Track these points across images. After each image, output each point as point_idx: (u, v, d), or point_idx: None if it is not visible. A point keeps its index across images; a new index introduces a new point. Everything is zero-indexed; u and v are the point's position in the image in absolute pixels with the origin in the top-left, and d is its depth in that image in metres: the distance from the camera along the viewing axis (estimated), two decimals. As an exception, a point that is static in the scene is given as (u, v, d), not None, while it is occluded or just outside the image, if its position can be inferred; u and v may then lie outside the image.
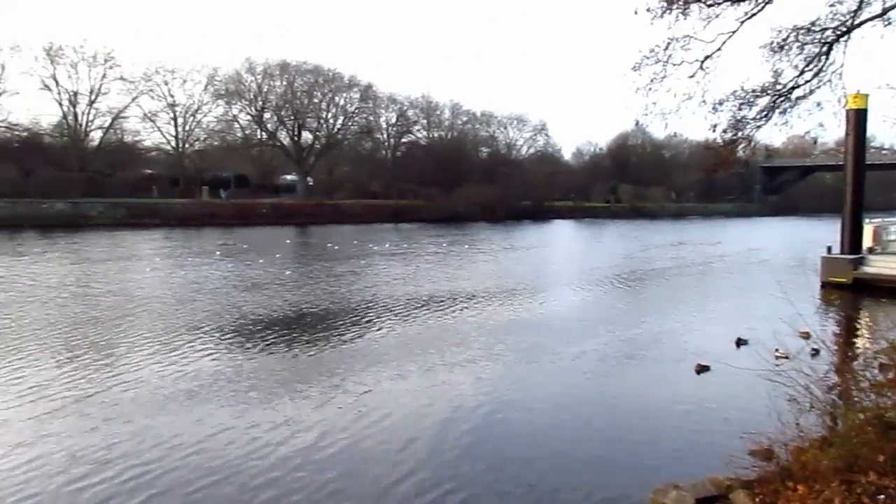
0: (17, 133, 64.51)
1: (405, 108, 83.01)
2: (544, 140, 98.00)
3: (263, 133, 76.17)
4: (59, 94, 65.90)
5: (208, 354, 13.20)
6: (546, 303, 21.26)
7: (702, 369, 12.76)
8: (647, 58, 9.93)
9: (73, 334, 14.69)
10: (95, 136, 69.49)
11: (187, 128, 72.35)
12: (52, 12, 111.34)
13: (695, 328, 17.02)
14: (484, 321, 17.29)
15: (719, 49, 9.90)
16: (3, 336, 14.34)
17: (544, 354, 13.74)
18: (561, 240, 52.55)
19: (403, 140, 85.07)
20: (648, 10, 9.55)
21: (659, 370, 12.84)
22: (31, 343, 13.79)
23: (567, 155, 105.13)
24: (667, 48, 9.84)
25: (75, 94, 66.42)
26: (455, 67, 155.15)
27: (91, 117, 68.05)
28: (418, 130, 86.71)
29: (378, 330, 15.97)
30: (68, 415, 9.47)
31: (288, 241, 42.27)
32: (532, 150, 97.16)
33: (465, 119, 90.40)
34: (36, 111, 79.29)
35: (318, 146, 77.18)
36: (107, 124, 69.21)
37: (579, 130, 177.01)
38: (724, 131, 10.23)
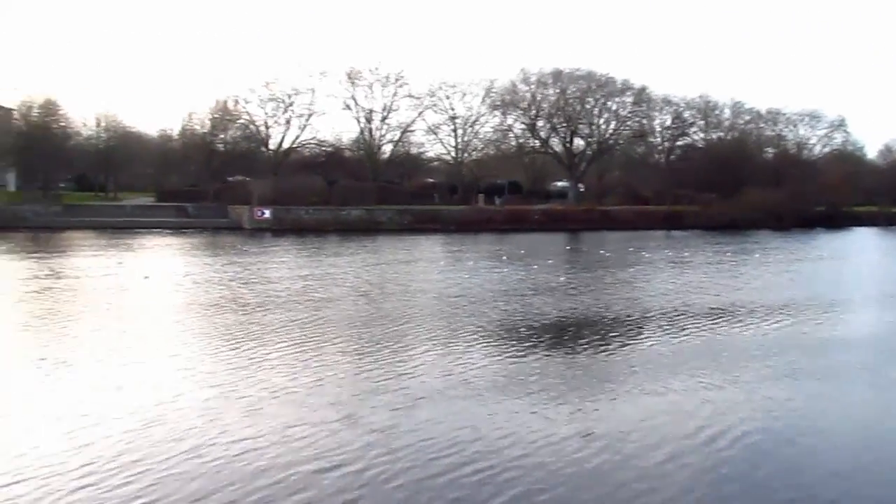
0: (323, 149, 73.62)
1: (681, 109, 79.45)
2: (843, 137, 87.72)
3: (536, 141, 77.87)
4: (357, 112, 73.75)
5: (509, 353, 13.78)
6: (850, 321, 19.01)
7: None
8: None
9: (398, 327, 16.20)
10: (386, 149, 76.58)
11: (466, 138, 76.55)
12: (353, 39, 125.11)
13: None
14: (780, 337, 15.96)
15: None
16: (337, 327, 16.22)
17: (842, 379, 12.30)
18: (867, 250, 46.72)
19: (678, 143, 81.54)
20: None
21: None
22: (359, 333, 15.47)
23: (871, 153, 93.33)
24: None
25: (370, 111, 73.78)
26: (736, 63, 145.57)
27: (383, 132, 75.11)
28: (695, 132, 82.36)
29: (662, 338, 15.47)
30: (409, 403, 10.38)
31: (568, 248, 42.70)
32: (827, 149, 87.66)
33: (747, 118, 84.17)
34: (338, 129, 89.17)
35: (590, 152, 77.01)
36: (396, 138, 75.85)
37: (888, 125, 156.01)
38: None
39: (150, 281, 23.90)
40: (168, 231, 52.78)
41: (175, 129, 78.27)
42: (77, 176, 79.21)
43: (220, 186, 64.99)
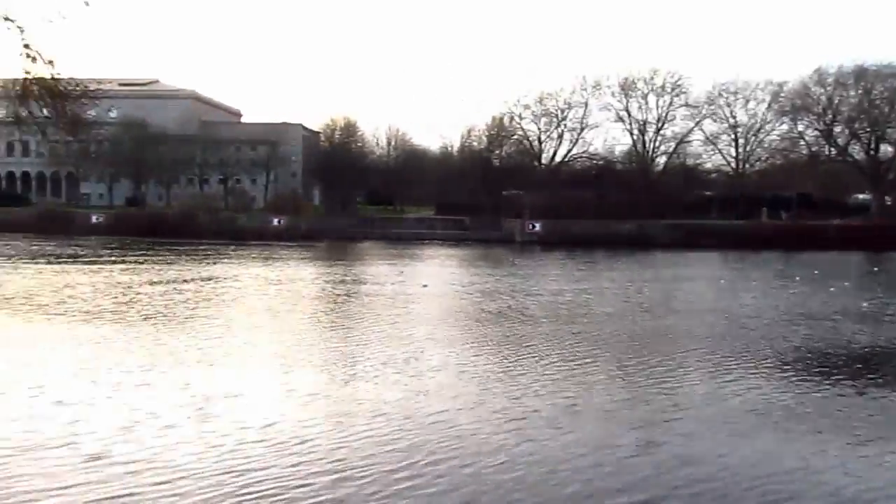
0: (595, 162, 73.64)
1: None
2: None
3: (832, 148, 70.25)
4: (630, 124, 72.78)
5: (818, 384, 12.33)
6: None
7: None
8: None
9: (690, 347, 15.47)
10: (660, 161, 74.40)
11: (748, 148, 71.59)
12: (628, 46, 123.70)
13: None
14: None
15: None
16: (624, 343, 15.91)
17: None
18: None
19: None
20: None
21: None
22: (648, 351, 14.83)
23: None
24: None
25: (644, 122, 72.36)
26: None
27: (657, 144, 73.16)
28: None
29: None
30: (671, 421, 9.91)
31: (875, 269, 37.69)
32: None
33: None
34: (610, 141, 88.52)
35: (900, 159, 67.60)
36: (671, 149, 73.36)
37: None
38: None
39: (429, 289, 25.47)
40: (446, 242, 56.32)
41: (455, 145, 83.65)
42: (369, 191, 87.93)
43: (495, 200, 67.85)
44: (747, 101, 70.58)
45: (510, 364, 13.55)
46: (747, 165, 72.01)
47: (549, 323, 18.41)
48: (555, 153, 75.44)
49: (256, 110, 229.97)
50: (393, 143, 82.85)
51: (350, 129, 79.79)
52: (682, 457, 8.75)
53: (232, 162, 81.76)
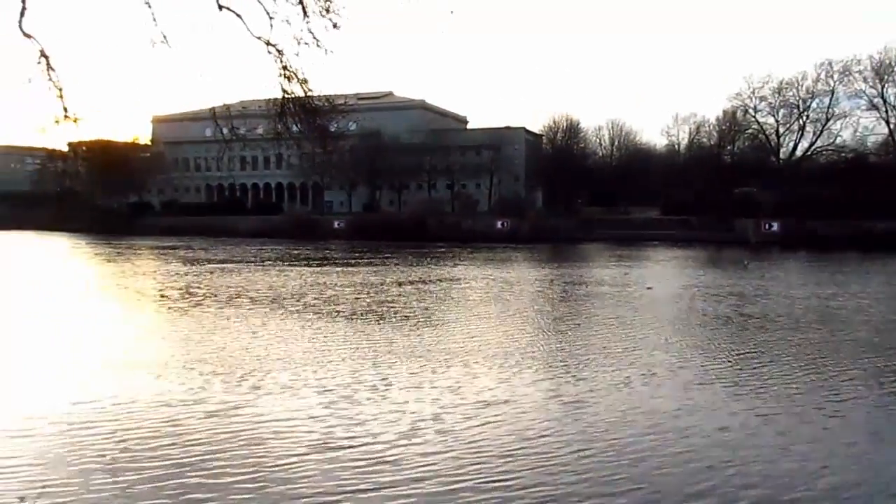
0: (843, 155, 66.80)
1: None
2: None
3: None
4: (886, 112, 65.16)
5: None
6: None
7: None
8: None
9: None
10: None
11: None
12: (882, 28, 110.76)
13: None
14: None
15: None
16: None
17: None
18: None
19: None
20: None
21: None
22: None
23: None
24: None
25: (902, 110, 64.42)
26: None
27: (921, 133, 64.84)
28: None
29: None
30: None
31: None
32: None
33: None
34: (861, 132, 79.94)
35: None
36: (939, 137, 64.72)
37: None
38: None
39: (654, 291, 24.82)
40: (672, 243, 54.27)
41: (682, 142, 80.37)
42: (592, 191, 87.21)
43: (724, 199, 64.24)
44: None
45: (787, 378, 12.61)
46: None
47: (821, 330, 17.17)
48: (795, 147, 69.80)
49: (481, 115, 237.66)
50: (616, 142, 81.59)
51: (572, 129, 79.72)
52: None
53: (458, 167, 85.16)
